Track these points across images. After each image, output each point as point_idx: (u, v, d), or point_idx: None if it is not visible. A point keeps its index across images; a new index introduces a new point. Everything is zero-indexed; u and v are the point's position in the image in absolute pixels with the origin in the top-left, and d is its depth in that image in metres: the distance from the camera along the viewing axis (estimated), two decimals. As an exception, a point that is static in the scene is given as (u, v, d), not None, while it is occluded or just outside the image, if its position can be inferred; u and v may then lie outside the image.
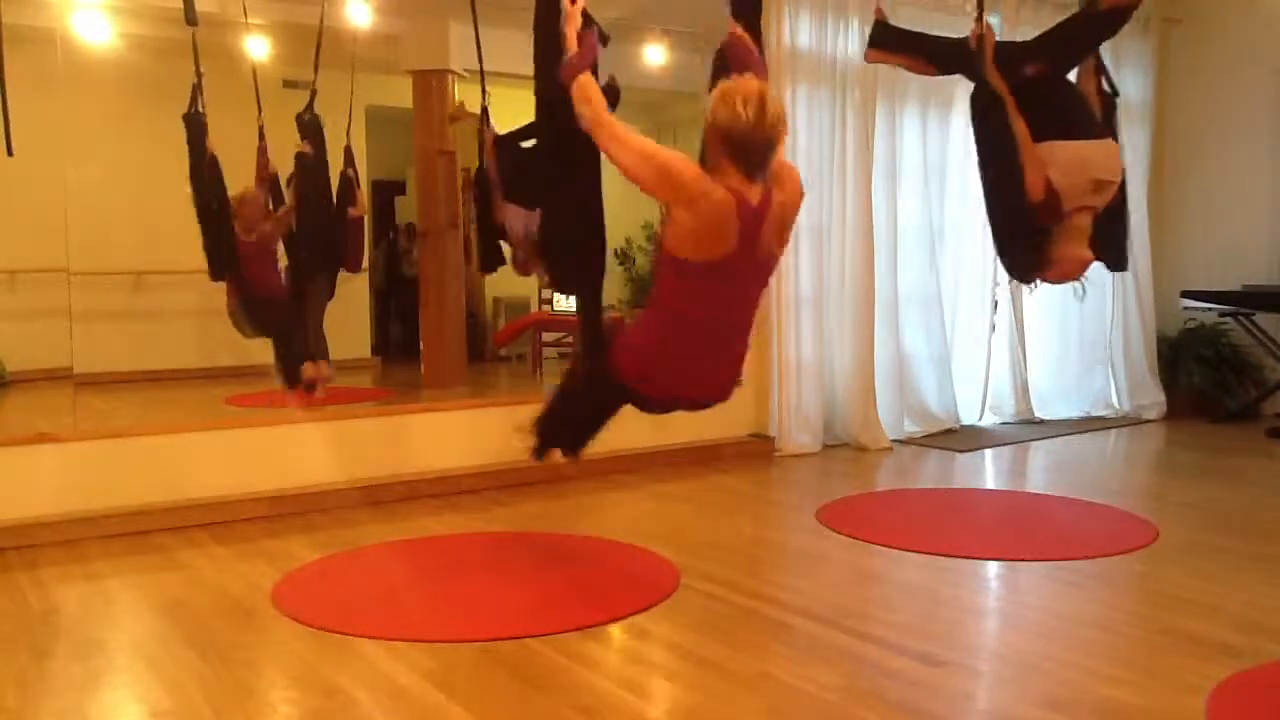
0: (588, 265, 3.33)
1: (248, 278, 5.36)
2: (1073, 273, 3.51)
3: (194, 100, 5.07)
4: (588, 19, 3.15)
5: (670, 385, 2.95)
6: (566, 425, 3.27)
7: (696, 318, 2.81)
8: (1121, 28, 3.61)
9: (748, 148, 2.65)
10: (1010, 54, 3.53)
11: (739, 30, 3.15)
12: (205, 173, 5.11)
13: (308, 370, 5.42)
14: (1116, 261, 3.79)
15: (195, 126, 5.10)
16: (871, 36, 3.98)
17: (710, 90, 2.91)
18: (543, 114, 3.31)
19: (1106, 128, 3.60)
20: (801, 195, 2.94)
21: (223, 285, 5.35)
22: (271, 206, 5.56)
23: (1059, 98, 3.49)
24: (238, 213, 5.36)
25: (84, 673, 2.62)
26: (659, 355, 2.88)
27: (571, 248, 3.34)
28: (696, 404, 3.08)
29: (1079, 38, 3.61)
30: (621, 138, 2.79)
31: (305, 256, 5.41)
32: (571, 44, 3.01)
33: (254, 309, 5.40)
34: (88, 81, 5.25)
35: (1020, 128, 3.39)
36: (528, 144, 4.14)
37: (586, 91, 2.90)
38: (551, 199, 3.45)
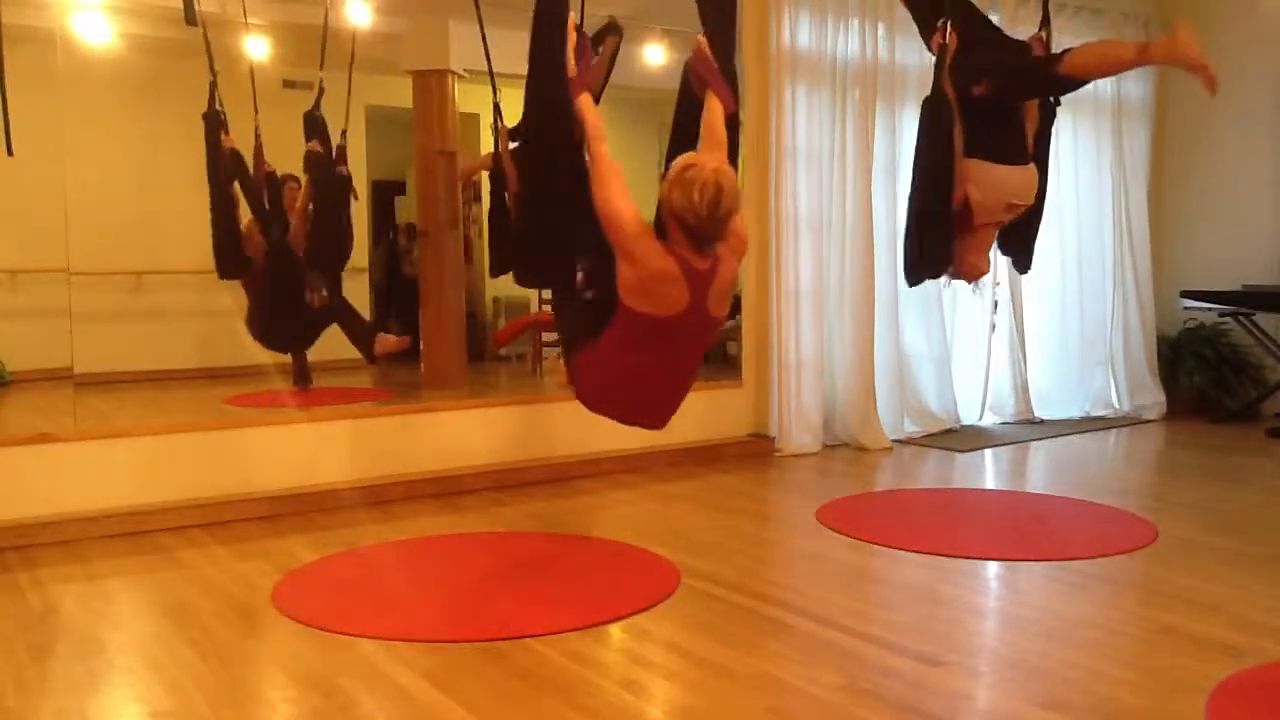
0: (556, 266, 3.37)
1: (258, 290, 5.40)
2: (969, 277, 3.87)
3: (211, 98, 5.10)
4: (611, 25, 3.26)
5: (615, 414, 3.26)
6: None
7: (641, 365, 3.04)
8: (1071, 91, 3.78)
9: (699, 233, 2.86)
10: (966, 71, 3.67)
11: (703, 45, 3.27)
12: (221, 170, 5.14)
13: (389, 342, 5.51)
14: (1022, 264, 4.17)
15: (211, 123, 5.13)
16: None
17: (671, 163, 3.08)
18: (531, 121, 3.32)
19: (1033, 153, 3.80)
20: (744, 252, 3.16)
21: (226, 285, 5.37)
22: (267, 205, 5.58)
23: (997, 117, 3.69)
24: (249, 241, 5.40)
25: (84, 673, 2.62)
26: (605, 395, 3.18)
27: (540, 248, 3.38)
28: (640, 426, 3.37)
29: (1029, 85, 3.77)
30: (600, 174, 3.01)
31: (324, 255, 5.46)
32: (571, 65, 3.15)
33: (264, 319, 5.44)
34: (88, 81, 5.24)
35: (958, 140, 3.64)
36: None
37: (584, 114, 3.10)
38: (528, 198, 3.54)
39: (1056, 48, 3.96)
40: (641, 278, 2.89)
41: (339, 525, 4.10)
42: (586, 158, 3.09)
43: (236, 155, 5.17)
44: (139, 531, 3.96)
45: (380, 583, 3.40)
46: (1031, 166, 3.74)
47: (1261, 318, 6.46)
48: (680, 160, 2.91)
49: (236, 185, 5.32)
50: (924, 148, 3.76)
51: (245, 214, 5.45)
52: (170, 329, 6.05)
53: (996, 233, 3.78)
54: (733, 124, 3.38)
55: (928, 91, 6.19)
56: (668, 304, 2.91)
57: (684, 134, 3.40)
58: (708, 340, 3.16)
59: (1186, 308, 6.73)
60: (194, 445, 4.27)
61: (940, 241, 3.71)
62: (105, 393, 5.48)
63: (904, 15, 5.86)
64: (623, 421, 3.32)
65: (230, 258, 5.28)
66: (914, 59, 6.03)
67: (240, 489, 4.26)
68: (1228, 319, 6.62)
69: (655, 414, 3.26)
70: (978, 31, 3.81)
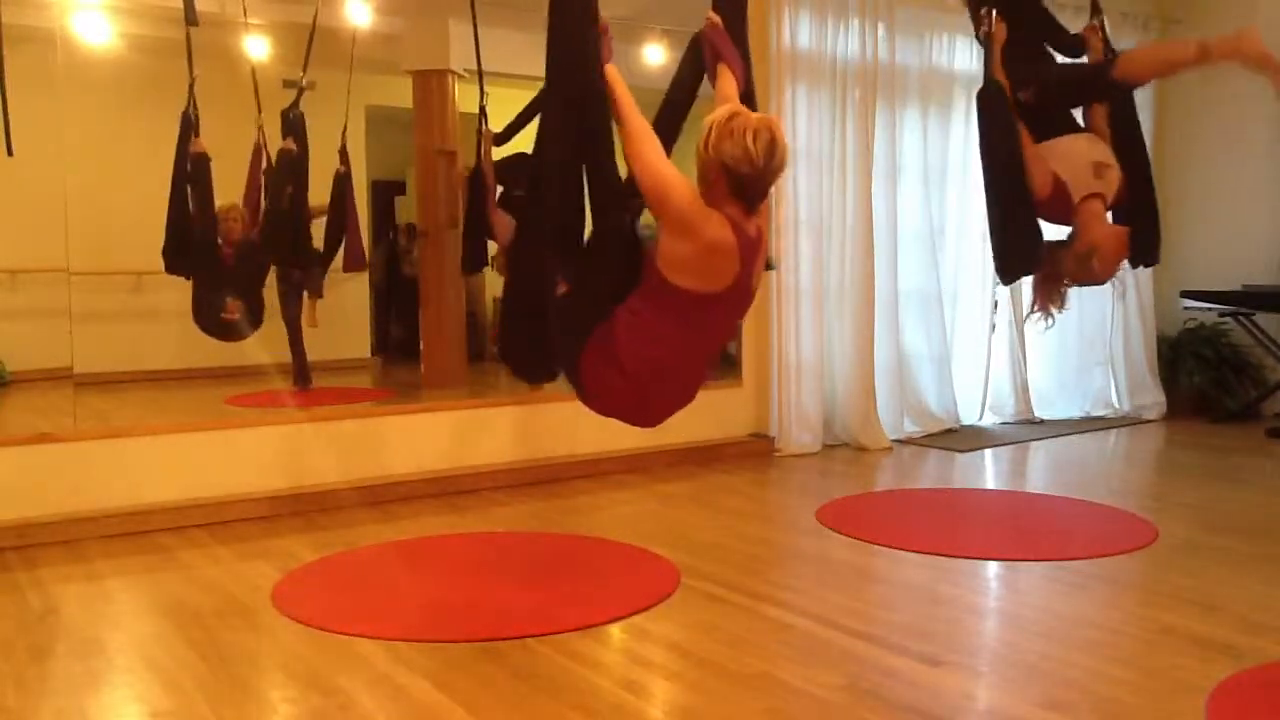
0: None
1: (211, 279, 5.43)
2: (1115, 253, 3.51)
3: (189, 100, 5.11)
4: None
5: (624, 409, 2.88)
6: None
7: (662, 354, 2.71)
8: (1127, 93, 3.63)
9: (754, 184, 2.58)
10: (1015, 72, 3.54)
11: (717, 20, 3.03)
12: (184, 172, 5.18)
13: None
14: (1151, 257, 3.85)
15: (184, 126, 5.15)
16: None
17: (681, 76, 2.94)
18: (553, 104, 2.92)
19: (1114, 130, 3.64)
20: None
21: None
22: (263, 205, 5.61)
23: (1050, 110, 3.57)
24: (222, 225, 5.43)
25: (84, 673, 2.62)
26: (617, 388, 2.76)
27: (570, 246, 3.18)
28: (641, 424, 3.00)
29: (1081, 95, 3.65)
30: (635, 138, 2.70)
31: (273, 254, 5.49)
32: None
33: (212, 308, 5.46)
34: (87, 81, 5.24)
35: (1020, 126, 3.45)
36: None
37: (615, 87, 2.77)
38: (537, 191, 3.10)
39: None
40: (697, 251, 2.58)
41: (339, 525, 4.10)
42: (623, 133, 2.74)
43: (203, 159, 5.20)
44: (139, 531, 3.96)
45: (380, 583, 3.39)
46: (1089, 132, 3.60)
47: (1261, 318, 6.46)
48: (721, 111, 2.63)
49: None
50: (988, 138, 3.57)
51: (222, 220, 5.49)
52: (170, 329, 6.04)
53: (1105, 205, 3.53)
54: (750, 100, 3.10)
55: (928, 91, 6.19)
56: (717, 278, 2.62)
57: (672, 113, 3.12)
58: (740, 318, 2.90)
59: (1186, 308, 6.73)
60: (194, 445, 4.27)
61: (1025, 233, 3.51)
62: (105, 393, 5.48)
63: (904, 15, 5.90)
64: (626, 418, 2.97)
65: (175, 255, 5.33)
66: (914, 59, 6.04)
67: (240, 489, 4.26)
68: (1228, 319, 6.62)
69: (662, 408, 2.90)
70: (1026, 14, 3.65)
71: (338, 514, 4.28)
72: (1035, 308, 3.71)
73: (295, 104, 5.44)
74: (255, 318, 5.58)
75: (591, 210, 2.82)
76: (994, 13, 3.58)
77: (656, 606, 3.07)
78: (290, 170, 5.44)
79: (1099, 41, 3.77)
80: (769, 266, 3.19)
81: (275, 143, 5.47)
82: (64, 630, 2.94)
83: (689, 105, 3.18)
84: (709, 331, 2.79)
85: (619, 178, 2.82)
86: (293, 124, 5.42)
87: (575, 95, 2.77)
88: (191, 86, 5.08)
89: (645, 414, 2.91)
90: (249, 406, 5.34)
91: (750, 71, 3.12)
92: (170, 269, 5.34)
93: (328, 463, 4.51)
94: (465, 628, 2.89)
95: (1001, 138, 3.48)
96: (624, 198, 2.81)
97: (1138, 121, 3.73)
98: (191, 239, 5.33)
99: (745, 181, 2.56)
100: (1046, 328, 3.78)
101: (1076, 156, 3.47)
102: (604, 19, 2.95)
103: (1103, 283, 3.64)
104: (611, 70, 2.81)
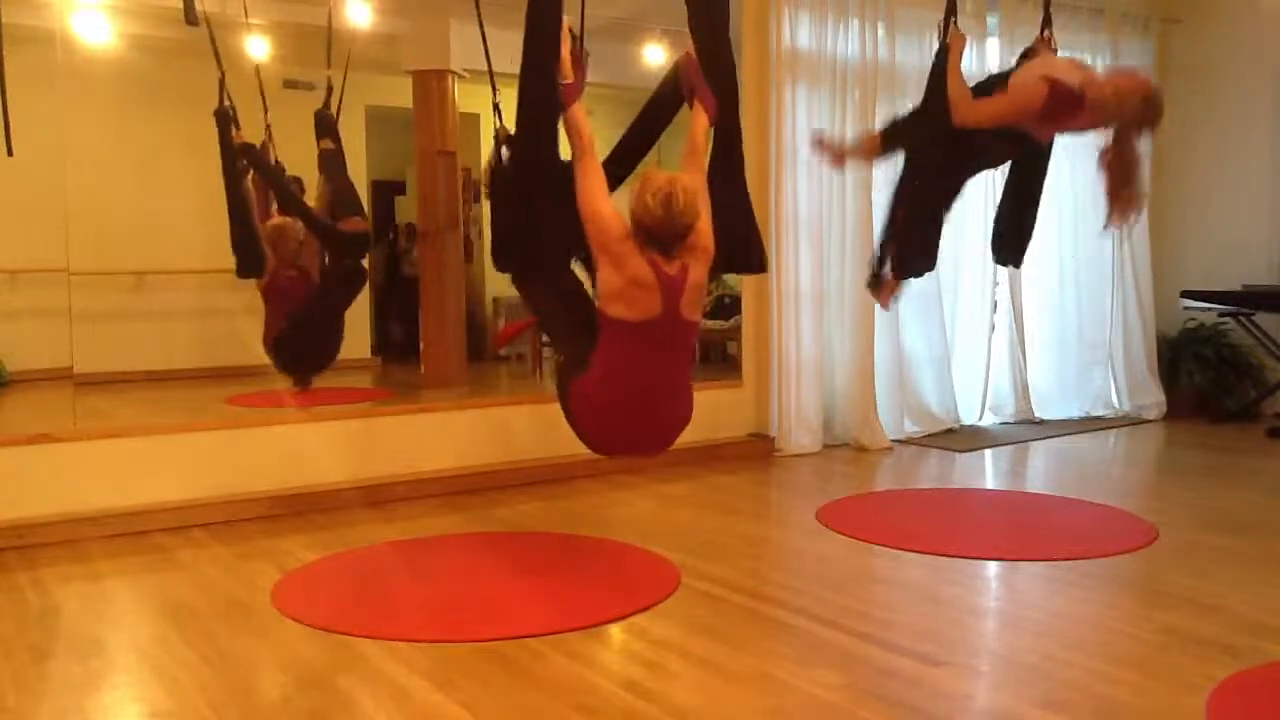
0: (539, 263, 3.43)
1: (288, 312, 5.39)
2: (1128, 82, 3.42)
3: (221, 95, 5.11)
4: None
5: (617, 439, 3.38)
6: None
7: (632, 381, 3.17)
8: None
9: (657, 233, 3.06)
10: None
11: (693, 55, 3.40)
12: (235, 167, 5.15)
13: None
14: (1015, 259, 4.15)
15: (222, 120, 5.13)
16: None
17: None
18: (522, 125, 3.36)
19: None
20: (710, 260, 3.26)
21: (226, 285, 5.37)
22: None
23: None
24: (274, 246, 5.39)
25: (84, 673, 2.62)
26: (604, 420, 3.26)
27: (523, 245, 3.44)
28: (636, 454, 3.73)
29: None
30: (585, 177, 3.16)
31: (348, 259, 5.47)
32: (568, 70, 3.25)
33: (296, 346, 5.41)
34: (88, 81, 5.24)
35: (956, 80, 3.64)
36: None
37: (578, 124, 3.23)
38: (512, 199, 3.59)
39: (1059, 48, 3.98)
40: (622, 281, 3.07)
41: (339, 525, 4.10)
42: (577, 167, 3.21)
43: (250, 147, 5.17)
44: (139, 531, 3.96)
45: (380, 583, 3.40)
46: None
47: (1261, 318, 6.46)
48: (643, 174, 3.15)
49: (250, 182, 5.31)
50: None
51: (273, 243, 5.45)
52: (170, 329, 6.05)
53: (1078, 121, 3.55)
54: (733, 125, 3.47)
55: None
56: (642, 308, 3.09)
57: (645, 126, 3.63)
58: (688, 343, 3.31)
59: (1186, 308, 6.73)
60: (194, 445, 4.27)
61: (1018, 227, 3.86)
62: (105, 393, 5.48)
63: (904, 15, 5.89)
64: (626, 449, 3.56)
65: (249, 255, 5.27)
66: (914, 59, 6.03)
67: (240, 489, 4.26)
68: (1228, 319, 6.62)
69: (656, 432, 3.38)
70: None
71: (338, 514, 4.28)
72: (1113, 218, 3.53)
73: (326, 103, 5.45)
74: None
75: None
76: (953, 22, 3.68)
77: (656, 606, 3.07)
78: (331, 167, 5.45)
79: (1050, 51, 3.83)
80: (757, 270, 3.74)
81: (279, 143, 5.48)
82: (64, 630, 2.94)
83: (664, 122, 3.63)
84: (659, 354, 3.20)
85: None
86: (326, 123, 5.43)
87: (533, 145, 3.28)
88: (222, 81, 5.10)
89: (639, 437, 3.38)
90: (249, 406, 5.35)
91: (736, 95, 3.45)
92: (243, 272, 5.29)
93: (328, 463, 4.51)
94: (465, 628, 2.89)
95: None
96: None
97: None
98: (258, 235, 5.27)
99: (650, 231, 3.06)
100: (1126, 226, 3.65)
101: (1029, 73, 3.61)
102: (577, 49, 3.24)
103: (1132, 118, 3.43)
104: (575, 113, 3.26)
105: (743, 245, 3.52)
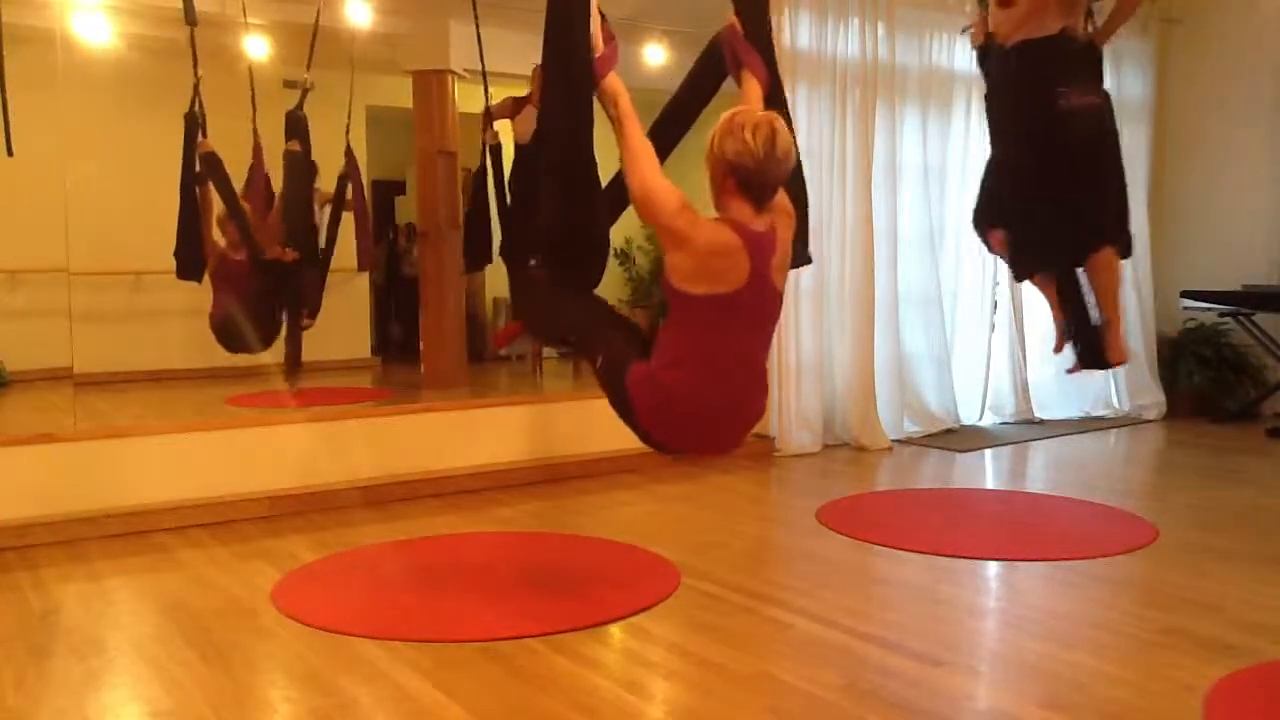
0: (585, 267, 3.07)
1: (235, 295, 5.36)
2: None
3: (194, 100, 5.08)
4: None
5: (684, 440, 2.88)
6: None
7: (713, 354, 2.69)
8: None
9: (759, 177, 2.57)
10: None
11: (736, 24, 3.02)
12: (194, 173, 5.14)
13: None
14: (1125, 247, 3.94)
15: (190, 125, 5.12)
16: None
17: (691, 81, 2.96)
18: (556, 112, 2.97)
19: None
20: (794, 226, 2.88)
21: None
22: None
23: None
24: (224, 228, 5.37)
25: (84, 673, 2.62)
26: (678, 407, 2.73)
27: (569, 248, 3.05)
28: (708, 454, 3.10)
29: None
30: (632, 153, 2.71)
31: (295, 257, 5.44)
32: (598, 42, 2.88)
33: (238, 326, 5.40)
34: (88, 81, 5.25)
35: None
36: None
37: (614, 91, 2.81)
38: (550, 198, 3.23)
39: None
40: (698, 257, 2.58)
41: (339, 525, 4.10)
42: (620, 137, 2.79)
43: (213, 158, 5.13)
44: (139, 531, 3.96)
45: (380, 583, 3.40)
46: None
47: (1261, 318, 6.46)
48: (726, 113, 2.65)
49: (210, 190, 5.29)
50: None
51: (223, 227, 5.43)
52: (170, 329, 6.05)
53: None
54: (781, 99, 3.15)
55: (928, 91, 6.22)
56: (729, 279, 2.60)
57: (680, 111, 3.16)
58: (773, 317, 2.82)
59: (1186, 308, 6.73)
60: (194, 445, 4.27)
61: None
62: (105, 393, 5.49)
63: (904, 15, 5.89)
64: (699, 446, 3.08)
65: (189, 261, 5.27)
66: (914, 59, 6.04)
67: (240, 489, 4.26)
68: (1228, 319, 6.62)
69: (735, 429, 2.89)
70: None
71: (338, 514, 4.28)
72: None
73: (299, 105, 5.44)
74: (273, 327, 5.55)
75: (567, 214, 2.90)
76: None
77: (656, 606, 3.07)
78: (295, 171, 5.42)
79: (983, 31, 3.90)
80: (802, 262, 3.21)
81: (276, 143, 5.47)
82: (64, 630, 2.94)
83: (700, 106, 3.17)
84: (742, 335, 2.73)
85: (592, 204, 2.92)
86: (297, 125, 5.41)
87: (565, 125, 2.85)
88: (196, 86, 5.06)
89: (713, 434, 2.87)
90: (249, 406, 5.35)
91: (775, 71, 3.08)
92: (182, 274, 5.27)
93: (328, 463, 4.51)
94: (465, 628, 2.89)
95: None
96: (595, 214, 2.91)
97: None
98: (203, 241, 5.28)
99: (749, 176, 2.56)
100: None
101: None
102: (609, 28, 2.94)
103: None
104: (613, 82, 2.83)
105: (801, 232, 3.06)
